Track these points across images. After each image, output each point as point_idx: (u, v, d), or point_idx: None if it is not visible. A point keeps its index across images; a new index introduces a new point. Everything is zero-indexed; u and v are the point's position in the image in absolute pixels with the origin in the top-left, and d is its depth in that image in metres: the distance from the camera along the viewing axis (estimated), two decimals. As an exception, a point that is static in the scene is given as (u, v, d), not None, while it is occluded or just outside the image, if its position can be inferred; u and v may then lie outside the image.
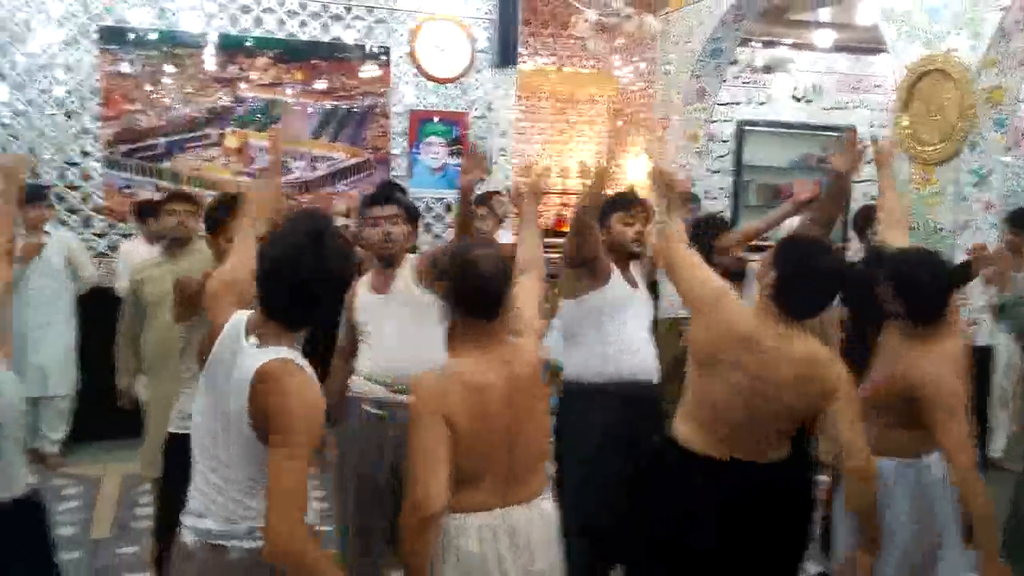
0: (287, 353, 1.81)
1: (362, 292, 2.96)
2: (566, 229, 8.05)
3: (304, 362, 1.84)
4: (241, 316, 1.90)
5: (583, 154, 8.79)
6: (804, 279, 2.29)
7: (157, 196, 5.44)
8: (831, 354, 2.37)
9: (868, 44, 7.59)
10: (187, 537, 1.85)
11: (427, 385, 2.05)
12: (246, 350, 1.81)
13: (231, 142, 5.83)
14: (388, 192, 3.20)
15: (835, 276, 2.34)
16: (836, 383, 2.28)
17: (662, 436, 2.52)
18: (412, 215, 3.15)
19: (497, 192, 6.03)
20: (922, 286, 2.49)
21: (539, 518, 2.18)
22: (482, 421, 2.05)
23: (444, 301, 2.15)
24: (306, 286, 1.81)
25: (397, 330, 2.89)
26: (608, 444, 2.98)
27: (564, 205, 8.51)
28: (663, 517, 2.44)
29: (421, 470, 1.98)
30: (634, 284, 3.15)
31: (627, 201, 3.15)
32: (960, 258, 4.18)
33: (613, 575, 3.22)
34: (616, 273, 3.08)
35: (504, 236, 5.41)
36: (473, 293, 2.08)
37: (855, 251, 4.87)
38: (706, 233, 3.66)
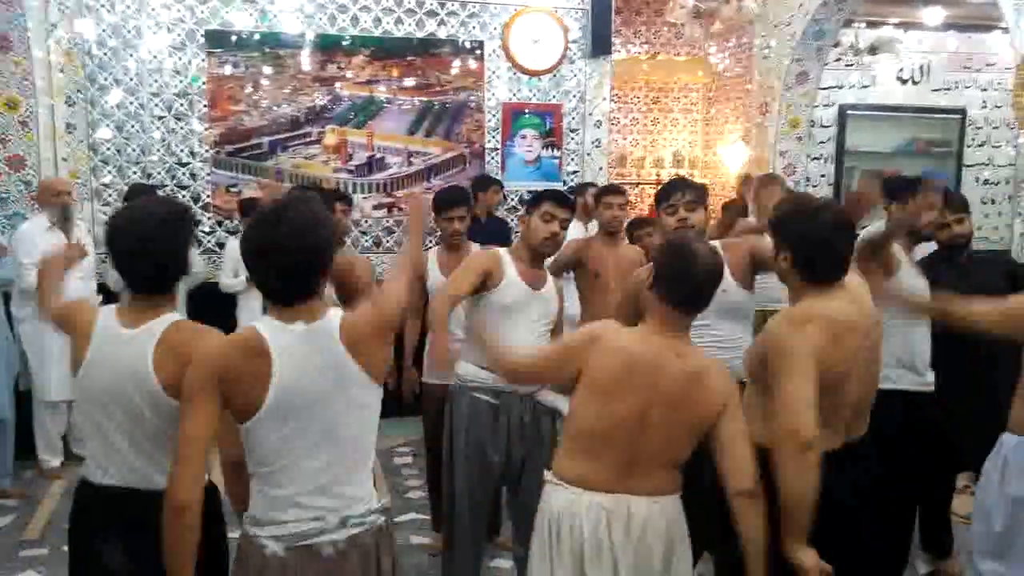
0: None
1: (513, 275, 2.99)
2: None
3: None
4: (256, 325, 1.89)
5: (677, 143, 8.66)
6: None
7: (260, 194, 5.64)
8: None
9: (980, 20, 7.20)
10: (273, 547, 1.84)
11: (593, 324, 2.30)
12: (298, 328, 1.87)
13: (330, 140, 5.97)
14: (461, 192, 3.33)
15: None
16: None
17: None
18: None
19: (591, 184, 6.01)
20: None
21: (659, 512, 2.17)
22: (621, 383, 2.14)
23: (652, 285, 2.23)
24: (276, 261, 1.86)
25: (532, 326, 2.96)
26: (470, 443, 3.00)
27: (659, 195, 8.38)
28: None
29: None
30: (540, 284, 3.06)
31: (558, 196, 3.06)
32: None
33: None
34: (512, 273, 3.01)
35: (593, 227, 5.38)
36: (680, 280, 2.17)
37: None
38: None
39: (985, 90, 7.81)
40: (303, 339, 1.84)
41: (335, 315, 1.88)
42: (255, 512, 1.88)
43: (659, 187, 3.21)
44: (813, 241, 2.25)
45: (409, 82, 6.10)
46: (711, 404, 2.14)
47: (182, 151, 5.71)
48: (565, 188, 6.44)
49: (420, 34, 6.08)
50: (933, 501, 3.61)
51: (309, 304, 1.87)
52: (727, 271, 2.85)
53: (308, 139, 5.94)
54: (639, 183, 8.52)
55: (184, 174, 5.73)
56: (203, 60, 5.65)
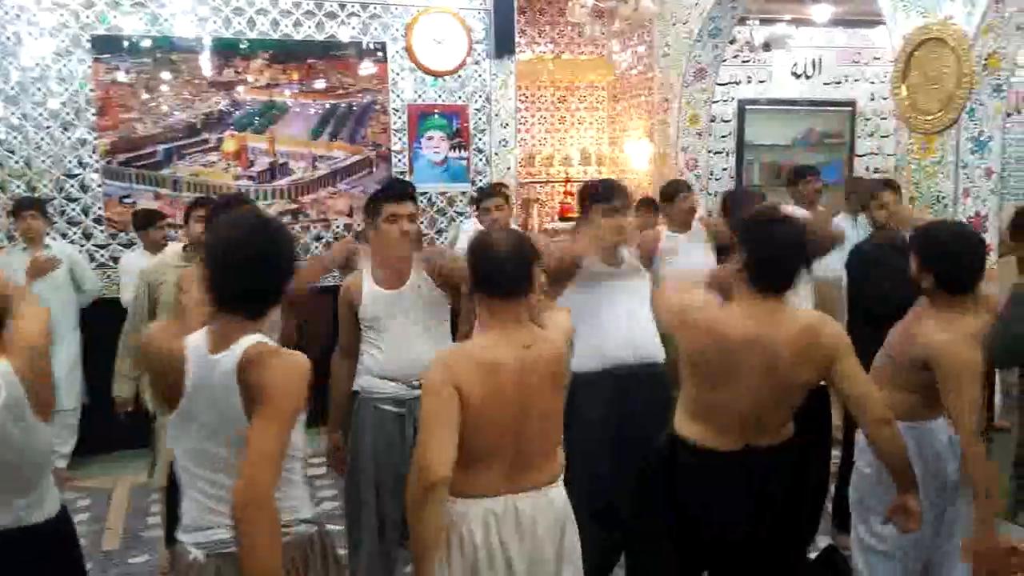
0: (259, 337, 1.83)
1: (370, 288, 2.95)
2: (571, 215, 8.06)
3: (276, 344, 1.88)
4: (197, 339, 1.87)
5: (584, 141, 8.77)
6: (770, 252, 2.31)
7: (156, 205, 5.47)
8: (820, 315, 2.42)
9: (866, 16, 7.51)
10: (194, 552, 1.85)
11: (441, 357, 2.12)
12: (215, 361, 1.82)
13: (229, 146, 5.83)
14: (405, 188, 3.21)
15: (797, 244, 2.35)
16: (836, 342, 2.32)
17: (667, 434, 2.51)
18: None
19: (502, 184, 6.03)
20: (951, 257, 2.55)
21: (547, 506, 2.19)
22: (492, 397, 2.08)
23: (469, 282, 2.24)
24: (254, 268, 1.83)
25: (412, 325, 2.90)
26: (378, 453, 3.03)
27: (567, 194, 8.48)
28: (683, 516, 2.46)
29: (427, 436, 2.02)
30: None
31: (393, 193, 3.02)
32: (965, 227, 4.15)
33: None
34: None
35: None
36: (490, 270, 2.15)
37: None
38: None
39: (872, 83, 8.15)
40: (214, 364, 1.82)
41: (246, 343, 1.83)
42: (184, 518, 1.88)
43: (588, 186, 3.29)
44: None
45: (311, 85, 6.00)
46: (564, 373, 2.25)
47: (70, 162, 5.48)
48: (474, 188, 6.45)
49: (320, 36, 5.99)
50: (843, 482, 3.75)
51: (256, 323, 1.86)
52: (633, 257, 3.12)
53: (206, 146, 5.79)
54: (548, 181, 8.60)
55: (73, 186, 5.50)
56: (89, 67, 5.45)
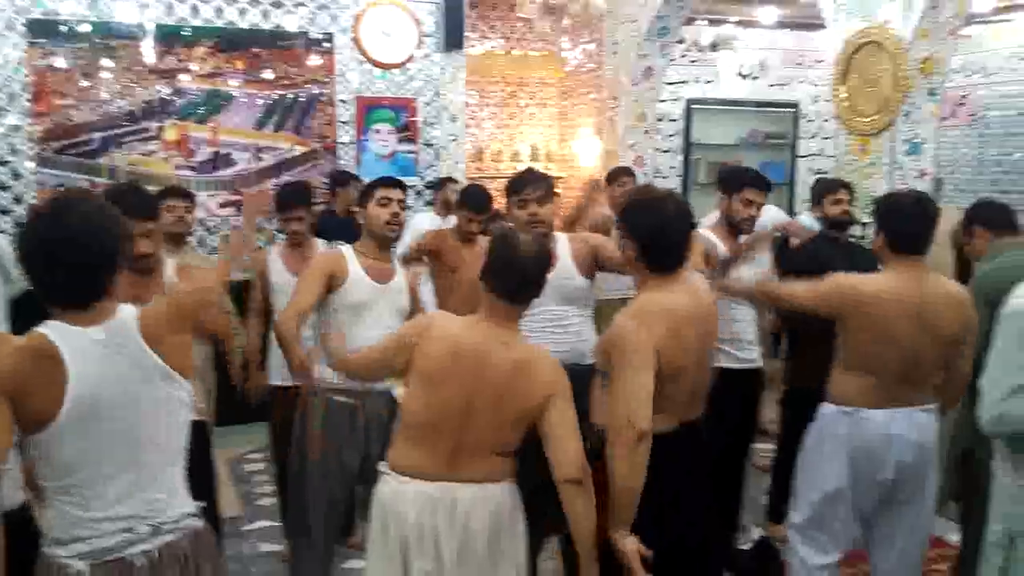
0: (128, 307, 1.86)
1: (358, 273, 2.92)
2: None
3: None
4: (51, 329, 1.73)
5: (534, 137, 8.78)
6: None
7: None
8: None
9: (809, 19, 7.64)
10: (76, 565, 1.73)
11: (424, 315, 2.39)
12: (96, 335, 1.76)
13: (170, 135, 5.72)
14: (392, 178, 3.16)
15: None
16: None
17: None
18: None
19: (451, 179, 6.01)
20: (643, 229, 2.36)
21: (485, 501, 2.19)
22: (441, 373, 2.15)
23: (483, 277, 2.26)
24: (61, 258, 1.70)
25: (385, 322, 2.88)
26: (327, 446, 2.97)
27: (516, 189, 8.48)
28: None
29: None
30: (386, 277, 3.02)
31: (389, 181, 3.06)
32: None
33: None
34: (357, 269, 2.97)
35: (451, 222, 5.38)
36: (506, 272, 2.21)
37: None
38: None
39: (816, 85, 8.29)
40: (102, 343, 1.73)
41: (130, 311, 1.80)
42: (54, 532, 1.75)
43: (509, 180, 3.20)
44: (654, 231, 2.31)
45: (256, 75, 5.91)
46: (536, 394, 2.16)
47: (2, 149, 5.32)
48: (423, 183, 6.42)
49: (266, 26, 5.90)
50: (778, 474, 3.81)
51: (103, 304, 1.76)
52: (570, 260, 3.04)
53: (146, 135, 5.67)
54: (497, 177, 8.58)
55: (5, 173, 5.34)
56: (24, 51, 5.29)
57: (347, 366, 2.48)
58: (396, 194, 2.98)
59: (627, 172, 4.96)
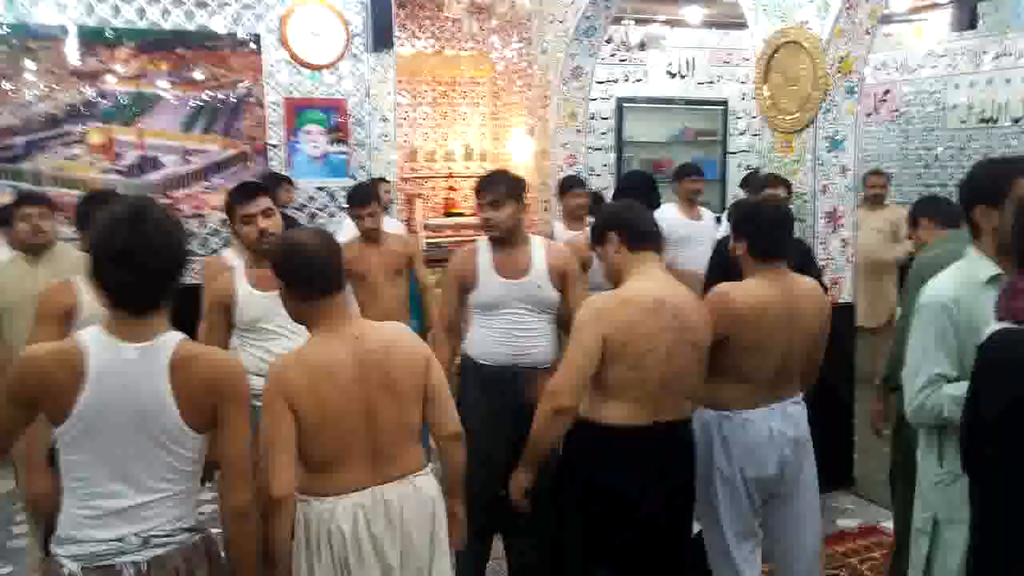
0: (178, 333, 1.84)
1: (245, 289, 2.88)
2: (455, 210, 8.08)
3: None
4: (91, 333, 1.80)
5: (467, 136, 8.80)
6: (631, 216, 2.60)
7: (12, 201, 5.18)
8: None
9: (734, 19, 7.83)
10: (69, 566, 1.77)
11: (273, 371, 2.09)
12: (139, 350, 1.77)
13: (95, 138, 5.58)
14: (255, 185, 3.11)
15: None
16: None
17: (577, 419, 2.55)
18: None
19: (382, 179, 6.00)
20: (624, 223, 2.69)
21: (414, 493, 2.19)
22: (330, 402, 2.06)
23: (280, 290, 2.18)
24: (134, 256, 1.75)
25: (293, 328, 2.85)
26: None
27: (452, 189, 8.49)
28: (596, 494, 2.52)
29: (269, 457, 2.02)
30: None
31: (246, 192, 2.95)
32: (821, 220, 4.40)
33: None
34: None
35: (389, 224, 5.37)
36: (304, 271, 2.13)
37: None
38: None
39: (743, 83, 8.50)
40: (131, 363, 1.76)
41: (172, 338, 1.80)
42: (60, 530, 1.81)
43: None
44: (626, 220, 2.59)
45: (181, 76, 5.80)
46: (417, 360, 2.21)
47: (-83, 154, 5.13)
48: (356, 183, 6.37)
49: (191, 26, 5.79)
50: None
51: (156, 318, 1.80)
52: (545, 268, 3.06)
53: (69, 138, 5.52)
54: (431, 176, 8.59)
55: (-79, 180, 5.16)
56: (-63, 53, 5.11)
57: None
58: (257, 206, 2.85)
59: (579, 183, 4.98)
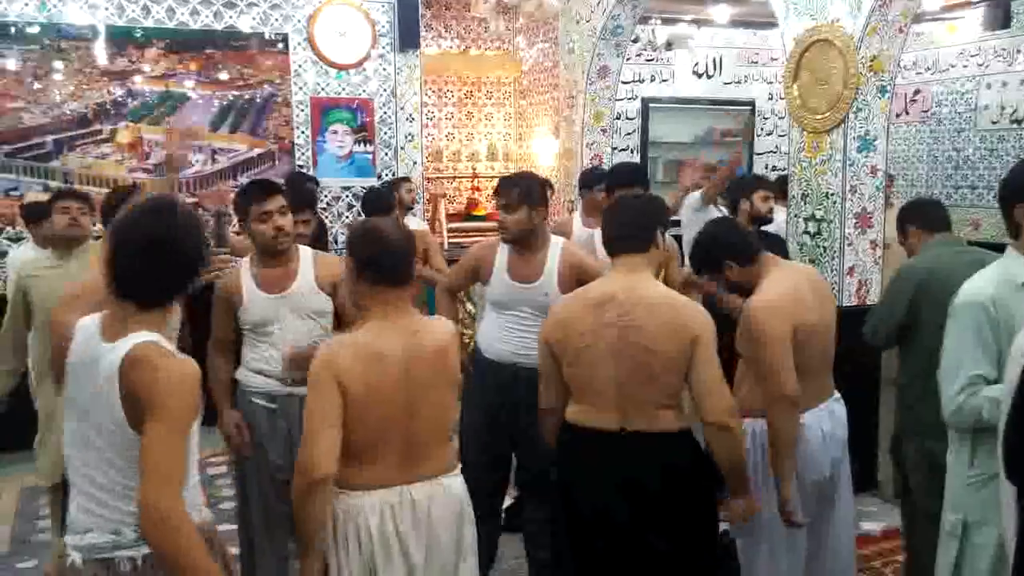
0: (149, 336, 1.76)
1: (251, 290, 2.87)
2: (478, 212, 8.08)
3: (170, 346, 1.80)
4: (89, 321, 1.85)
5: (492, 137, 8.80)
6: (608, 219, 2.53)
7: (46, 197, 5.25)
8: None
9: (762, 18, 7.76)
10: (73, 556, 1.79)
11: (324, 350, 2.09)
12: (105, 349, 1.76)
13: (123, 137, 5.64)
14: (271, 184, 3.09)
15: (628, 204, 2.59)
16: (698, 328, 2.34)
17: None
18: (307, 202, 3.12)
19: (406, 178, 6.01)
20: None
21: (442, 494, 2.20)
22: (378, 388, 2.07)
23: (350, 271, 2.19)
24: (154, 254, 1.77)
25: (297, 327, 2.86)
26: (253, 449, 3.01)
27: (475, 189, 8.49)
28: (565, 493, 2.49)
29: (310, 433, 2.02)
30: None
31: (260, 191, 2.90)
32: (850, 222, 4.34)
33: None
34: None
35: (413, 223, 5.38)
36: (380, 258, 2.14)
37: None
38: None
39: (771, 83, 8.42)
40: (97, 363, 1.76)
41: (138, 339, 1.75)
42: (68, 517, 1.84)
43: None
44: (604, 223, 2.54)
45: (209, 76, 5.85)
46: (454, 363, 2.27)
47: (-48, 153, 5.21)
48: (380, 183, 6.40)
49: (219, 26, 5.84)
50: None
51: (152, 315, 1.80)
52: (556, 274, 3.03)
53: (99, 137, 5.59)
54: (455, 177, 8.59)
55: (-46, 178, 5.23)
56: (-29, 53, 5.18)
57: None
58: (275, 203, 2.81)
59: (601, 178, 4.93)
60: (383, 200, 4.61)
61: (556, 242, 3.13)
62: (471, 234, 7.83)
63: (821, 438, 2.67)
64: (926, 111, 8.17)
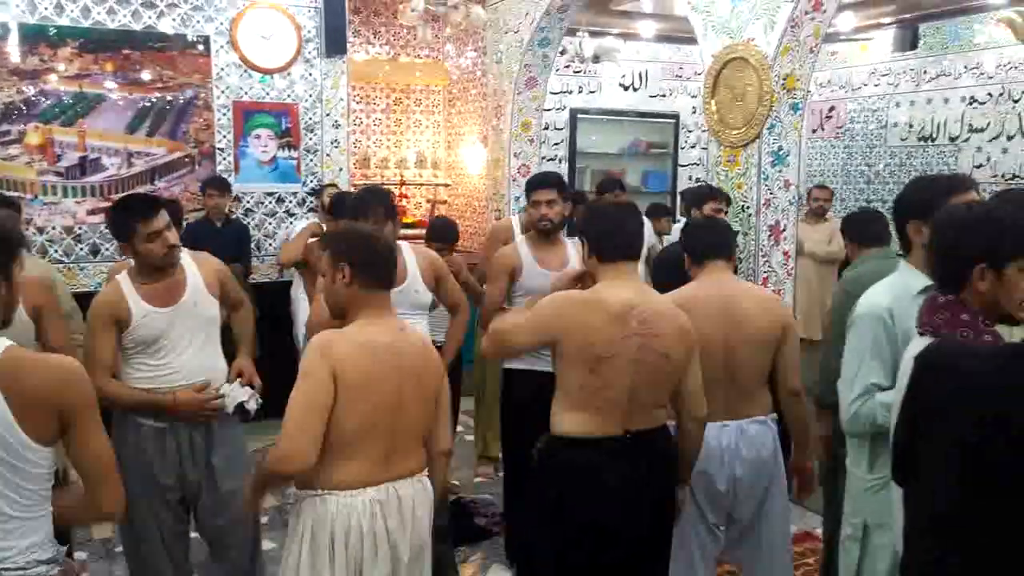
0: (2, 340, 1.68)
1: (140, 306, 2.73)
2: (406, 220, 8.04)
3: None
4: None
5: (421, 144, 8.77)
6: (605, 226, 2.51)
7: None
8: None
9: (686, 34, 7.93)
10: None
11: (318, 339, 2.13)
12: None
13: (33, 139, 5.44)
14: (153, 199, 2.92)
15: (626, 211, 2.58)
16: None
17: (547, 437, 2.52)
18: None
19: (332, 184, 5.95)
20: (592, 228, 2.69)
21: (423, 491, 2.27)
22: (372, 377, 2.12)
23: (343, 273, 2.20)
24: None
25: (189, 341, 2.79)
26: (140, 471, 2.93)
27: (403, 196, 8.45)
28: (570, 510, 2.45)
29: (296, 422, 2.04)
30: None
31: (140, 206, 2.77)
32: (764, 234, 4.46)
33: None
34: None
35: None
36: (376, 262, 2.22)
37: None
38: None
39: (694, 96, 8.60)
40: None
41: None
42: None
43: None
44: (603, 228, 2.52)
45: (127, 77, 5.69)
46: (440, 373, 2.34)
47: None
48: (306, 189, 6.33)
49: (137, 26, 5.69)
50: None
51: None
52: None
53: (7, 138, 5.37)
54: (383, 183, 8.53)
55: None
56: None
57: None
58: (159, 221, 2.68)
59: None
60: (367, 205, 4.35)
61: (399, 244, 3.28)
62: (399, 240, 7.77)
63: (719, 453, 2.71)
64: (840, 127, 8.47)
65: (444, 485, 2.45)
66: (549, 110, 7.73)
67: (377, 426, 2.14)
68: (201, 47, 5.89)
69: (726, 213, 4.38)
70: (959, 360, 1.64)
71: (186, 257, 2.87)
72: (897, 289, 2.29)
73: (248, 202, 6.13)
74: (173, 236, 2.74)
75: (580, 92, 8.31)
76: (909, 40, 7.58)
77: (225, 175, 5.96)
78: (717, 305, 2.72)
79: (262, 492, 2.28)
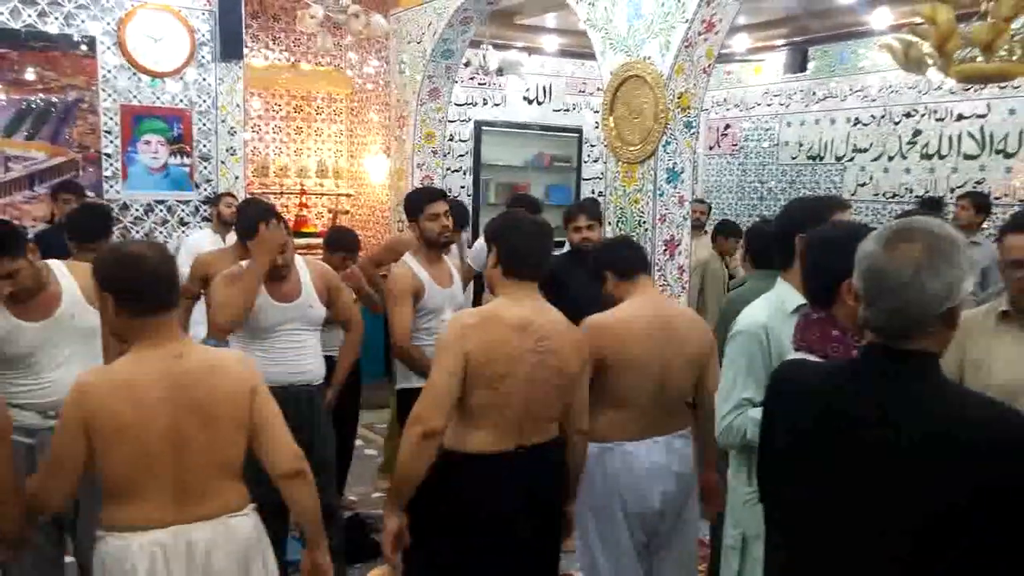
0: None
1: (10, 322, 2.59)
2: (308, 229, 7.87)
3: None
4: None
5: (322, 153, 8.62)
6: (519, 241, 2.42)
7: None
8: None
9: (590, 49, 8.04)
10: None
11: (75, 381, 1.98)
12: None
13: (-103, 140, 5.10)
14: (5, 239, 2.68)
15: (543, 230, 2.50)
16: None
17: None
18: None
19: (228, 193, 5.77)
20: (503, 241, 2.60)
21: (225, 533, 2.04)
22: (127, 414, 1.93)
23: (105, 302, 2.01)
24: None
25: (65, 354, 2.65)
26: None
27: (303, 206, 8.28)
28: (467, 521, 2.41)
29: (45, 472, 1.99)
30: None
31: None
32: (659, 248, 4.54)
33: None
34: None
35: (233, 239, 5.16)
36: (140, 288, 1.98)
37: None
38: None
39: (597, 111, 8.68)
40: None
41: None
42: None
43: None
44: (517, 245, 2.44)
45: (4, 77, 5.40)
46: (241, 389, 2.08)
47: None
48: (200, 198, 6.12)
49: (16, 24, 5.40)
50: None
51: None
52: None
53: None
54: (283, 192, 8.35)
55: None
56: None
57: None
58: (14, 262, 2.52)
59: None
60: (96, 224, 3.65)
61: (297, 259, 3.35)
62: (299, 251, 7.60)
63: (649, 468, 2.72)
64: (735, 145, 8.74)
65: (304, 510, 2.18)
66: (454, 121, 7.71)
67: (152, 467, 1.97)
68: (86, 48, 5.64)
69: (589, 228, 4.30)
70: (799, 373, 1.67)
71: (55, 266, 2.72)
72: (773, 306, 2.34)
73: (137, 210, 5.88)
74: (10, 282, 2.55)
75: (485, 104, 8.31)
76: (799, 62, 7.89)
77: (112, 182, 5.71)
78: (657, 325, 2.76)
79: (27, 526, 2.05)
